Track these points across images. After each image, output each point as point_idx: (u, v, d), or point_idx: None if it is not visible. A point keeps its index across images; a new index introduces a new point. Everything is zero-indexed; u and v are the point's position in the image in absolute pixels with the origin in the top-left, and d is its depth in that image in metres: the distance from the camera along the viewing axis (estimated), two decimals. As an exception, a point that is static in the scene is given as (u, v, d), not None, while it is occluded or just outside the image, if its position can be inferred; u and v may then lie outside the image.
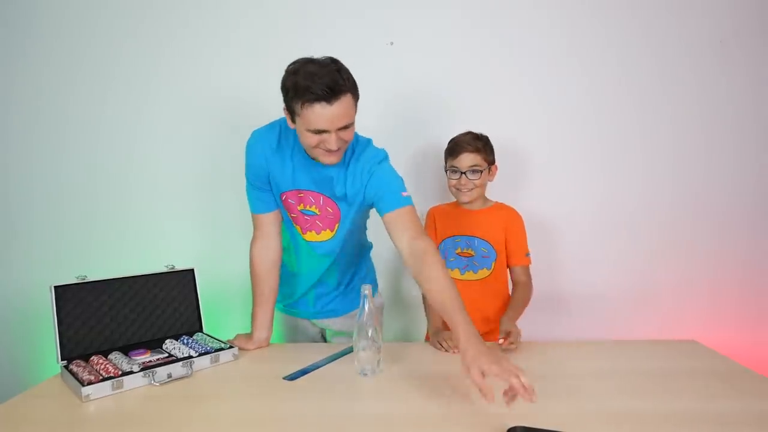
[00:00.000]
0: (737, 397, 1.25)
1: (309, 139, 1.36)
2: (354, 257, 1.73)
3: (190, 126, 2.15)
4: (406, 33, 2.09)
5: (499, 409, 1.19)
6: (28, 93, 2.14)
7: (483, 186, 1.78)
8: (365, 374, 1.39)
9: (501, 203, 1.86)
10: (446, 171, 1.81)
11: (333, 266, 1.66)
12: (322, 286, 1.72)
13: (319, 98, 1.28)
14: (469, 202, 1.80)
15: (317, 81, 1.27)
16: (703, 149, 2.10)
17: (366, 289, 1.38)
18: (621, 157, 2.11)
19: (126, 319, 1.53)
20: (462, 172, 1.74)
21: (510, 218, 1.81)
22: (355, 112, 1.39)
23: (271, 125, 1.55)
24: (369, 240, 1.83)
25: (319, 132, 1.33)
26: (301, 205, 1.55)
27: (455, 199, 1.86)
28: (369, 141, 1.57)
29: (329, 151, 1.38)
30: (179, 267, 1.64)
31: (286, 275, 1.74)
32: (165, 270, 1.62)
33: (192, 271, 1.66)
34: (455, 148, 1.76)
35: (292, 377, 1.39)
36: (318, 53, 1.37)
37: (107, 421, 1.18)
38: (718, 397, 1.25)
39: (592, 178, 2.13)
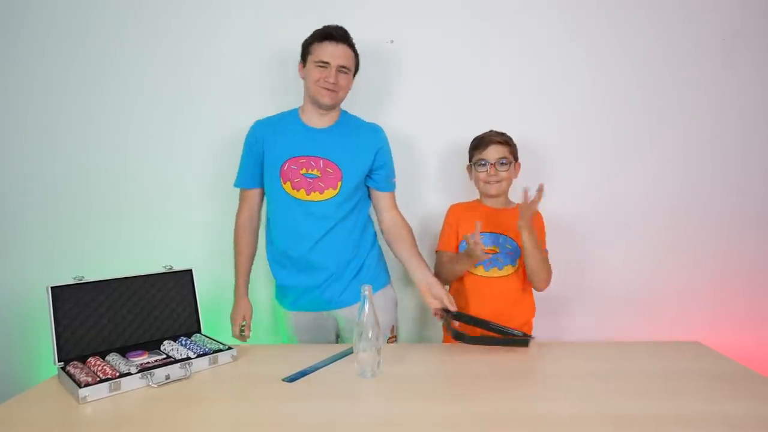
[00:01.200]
0: (741, 398, 1.24)
1: (314, 73, 1.66)
2: (359, 229, 1.78)
3: (187, 126, 2.13)
4: (405, 30, 2.07)
5: (499, 409, 1.18)
6: (22, 93, 2.12)
7: (509, 181, 1.81)
8: (365, 375, 1.38)
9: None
10: (473, 166, 1.83)
11: (336, 231, 1.71)
12: (329, 261, 1.72)
13: (328, 36, 1.65)
14: (496, 196, 1.82)
15: (332, 27, 1.67)
16: (708, 150, 2.08)
17: (366, 290, 1.37)
18: (624, 159, 2.10)
19: (124, 320, 1.52)
20: (491, 164, 1.77)
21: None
22: (353, 72, 1.74)
23: (272, 115, 1.82)
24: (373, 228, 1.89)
25: (323, 65, 1.64)
26: (303, 169, 1.70)
27: (477, 197, 1.89)
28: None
29: (328, 88, 1.65)
30: (177, 267, 1.63)
31: (292, 261, 1.74)
32: (163, 270, 1.61)
33: (190, 271, 1.65)
34: (482, 142, 1.80)
35: (291, 379, 1.38)
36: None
37: (104, 423, 1.17)
38: (722, 399, 1.24)
39: (595, 179, 2.11)
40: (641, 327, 2.13)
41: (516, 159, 1.83)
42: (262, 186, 1.81)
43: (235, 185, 1.84)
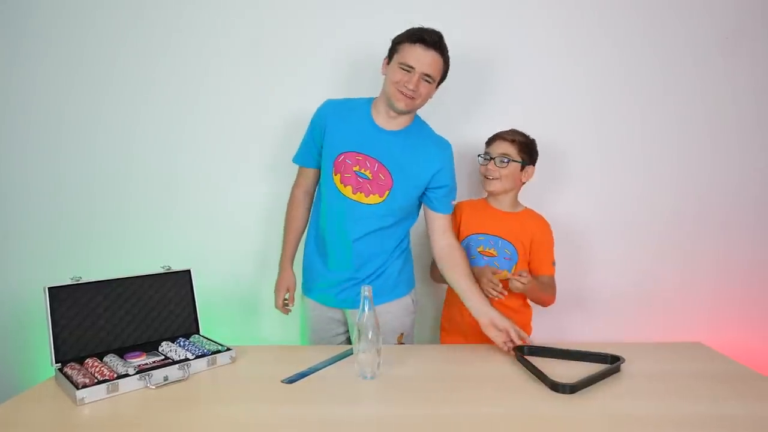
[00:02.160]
0: (744, 399, 1.24)
1: (395, 74, 1.56)
2: (393, 241, 1.75)
3: (186, 126, 2.12)
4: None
5: (501, 411, 1.17)
6: (24, 92, 2.11)
7: (510, 179, 1.76)
8: (365, 377, 1.37)
9: (531, 210, 1.85)
10: (478, 157, 1.82)
11: (371, 238, 1.69)
12: (354, 266, 1.72)
13: (422, 40, 1.53)
14: (494, 194, 1.80)
15: (427, 31, 1.55)
16: (708, 149, 2.07)
17: (366, 291, 1.36)
18: (624, 158, 2.09)
19: (121, 320, 1.50)
20: (492, 158, 1.75)
21: (539, 228, 1.80)
22: (437, 84, 1.62)
23: (348, 99, 1.75)
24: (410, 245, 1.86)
25: (407, 68, 1.54)
26: (357, 166, 1.65)
27: (485, 196, 1.87)
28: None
29: (406, 92, 1.55)
30: (176, 268, 1.62)
31: (324, 252, 1.76)
32: (161, 271, 1.60)
33: (188, 272, 1.63)
34: (493, 136, 1.80)
35: (290, 380, 1.37)
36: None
37: (102, 425, 1.16)
38: (725, 400, 1.23)
39: (593, 179, 2.11)
40: (642, 328, 2.12)
41: (527, 162, 1.77)
42: (318, 167, 1.75)
43: (294, 161, 1.81)
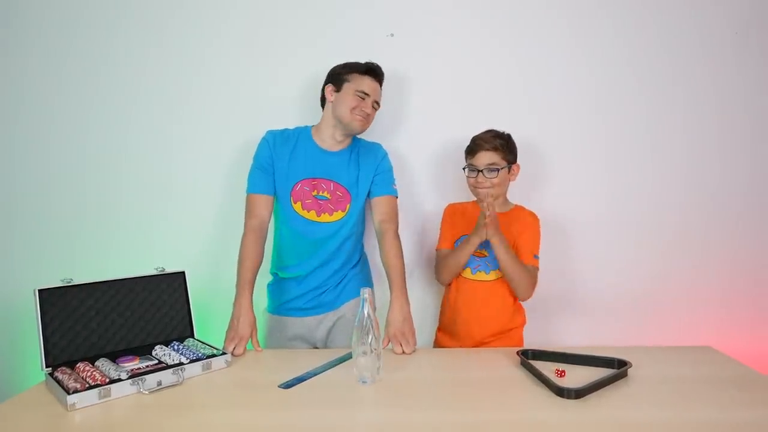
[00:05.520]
0: (756, 404, 1.22)
1: (351, 101, 1.74)
2: (358, 248, 1.90)
3: (181, 126, 2.10)
4: (408, 24, 2.06)
5: (504, 416, 1.16)
6: (14, 90, 2.09)
7: (502, 185, 1.78)
8: (365, 381, 1.35)
9: (521, 207, 1.85)
10: (465, 170, 1.81)
11: (341, 250, 1.81)
12: (325, 278, 1.81)
13: (369, 71, 1.78)
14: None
15: (373, 64, 1.80)
16: (718, 148, 2.06)
17: (365, 293, 1.35)
18: (632, 158, 2.07)
19: (114, 324, 1.49)
20: (479, 170, 1.74)
21: (524, 222, 1.79)
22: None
23: (286, 129, 1.85)
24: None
25: (362, 95, 1.75)
26: (315, 191, 1.78)
27: (474, 198, 1.87)
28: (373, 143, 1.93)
29: (363, 116, 1.75)
30: (169, 270, 1.61)
31: (295, 275, 1.81)
32: (155, 273, 1.58)
33: (183, 273, 1.62)
34: (473, 146, 1.78)
35: (287, 385, 1.35)
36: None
37: (94, 431, 1.14)
38: (736, 405, 1.21)
39: (603, 179, 2.09)
40: (649, 331, 2.10)
41: (511, 162, 1.78)
42: (273, 194, 1.79)
43: (251, 191, 1.78)
